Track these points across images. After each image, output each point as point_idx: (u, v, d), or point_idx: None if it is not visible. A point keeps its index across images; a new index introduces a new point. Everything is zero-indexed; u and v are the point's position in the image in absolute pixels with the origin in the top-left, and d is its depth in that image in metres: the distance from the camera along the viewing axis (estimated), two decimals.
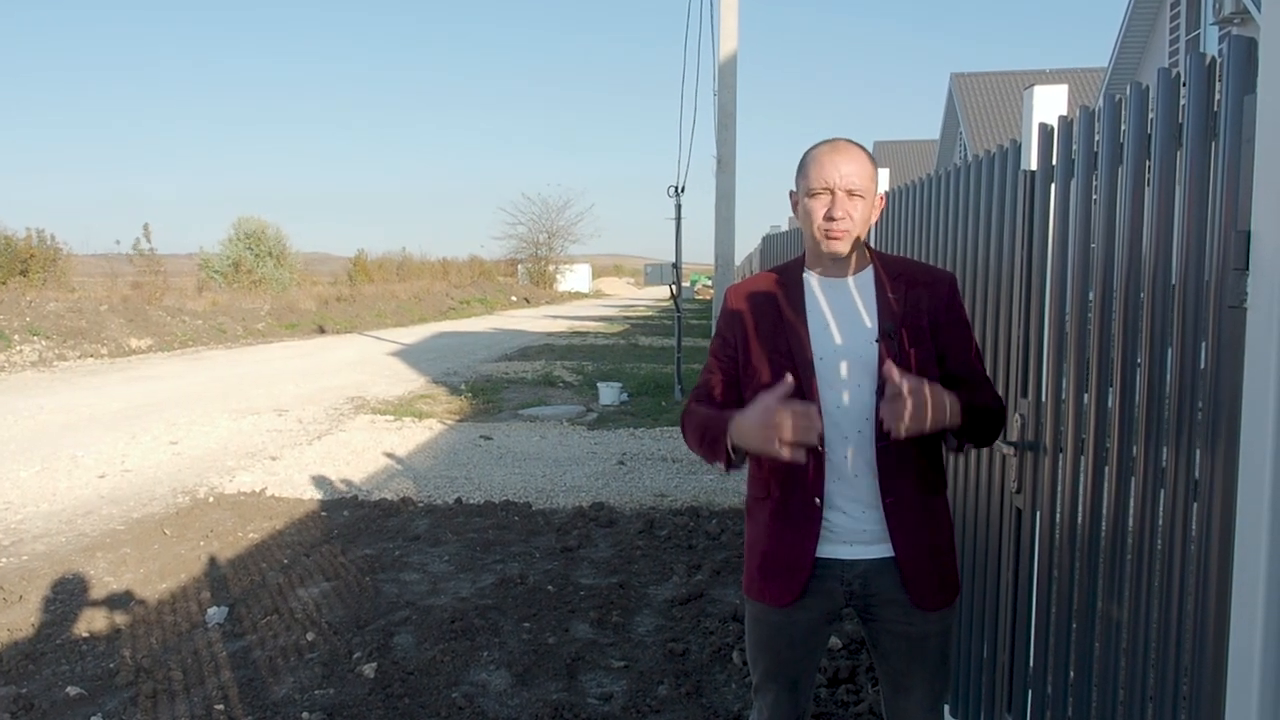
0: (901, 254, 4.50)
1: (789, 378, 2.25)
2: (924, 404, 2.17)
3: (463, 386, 15.35)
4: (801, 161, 2.46)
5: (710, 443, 2.44)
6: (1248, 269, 1.81)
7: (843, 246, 2.41)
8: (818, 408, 2.24)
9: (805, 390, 2.41)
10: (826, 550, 2.48)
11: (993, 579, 3.47)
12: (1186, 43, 16.63)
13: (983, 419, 2.40)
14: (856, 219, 2.39)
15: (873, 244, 2.65)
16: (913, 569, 2.45)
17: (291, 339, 26.98)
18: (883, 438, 2.38)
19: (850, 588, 2.50)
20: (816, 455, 2.42)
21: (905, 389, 2.15)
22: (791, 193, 2.51)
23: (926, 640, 2.52)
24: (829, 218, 2.38)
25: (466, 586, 5.91)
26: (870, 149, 2.46)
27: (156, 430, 11.41)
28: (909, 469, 2.44)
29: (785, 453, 2.18)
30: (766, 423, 2.19)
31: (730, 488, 8.50)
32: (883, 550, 2.46)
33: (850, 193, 2.37)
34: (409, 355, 21.58)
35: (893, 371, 2.18)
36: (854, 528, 2.45)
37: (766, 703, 2.66)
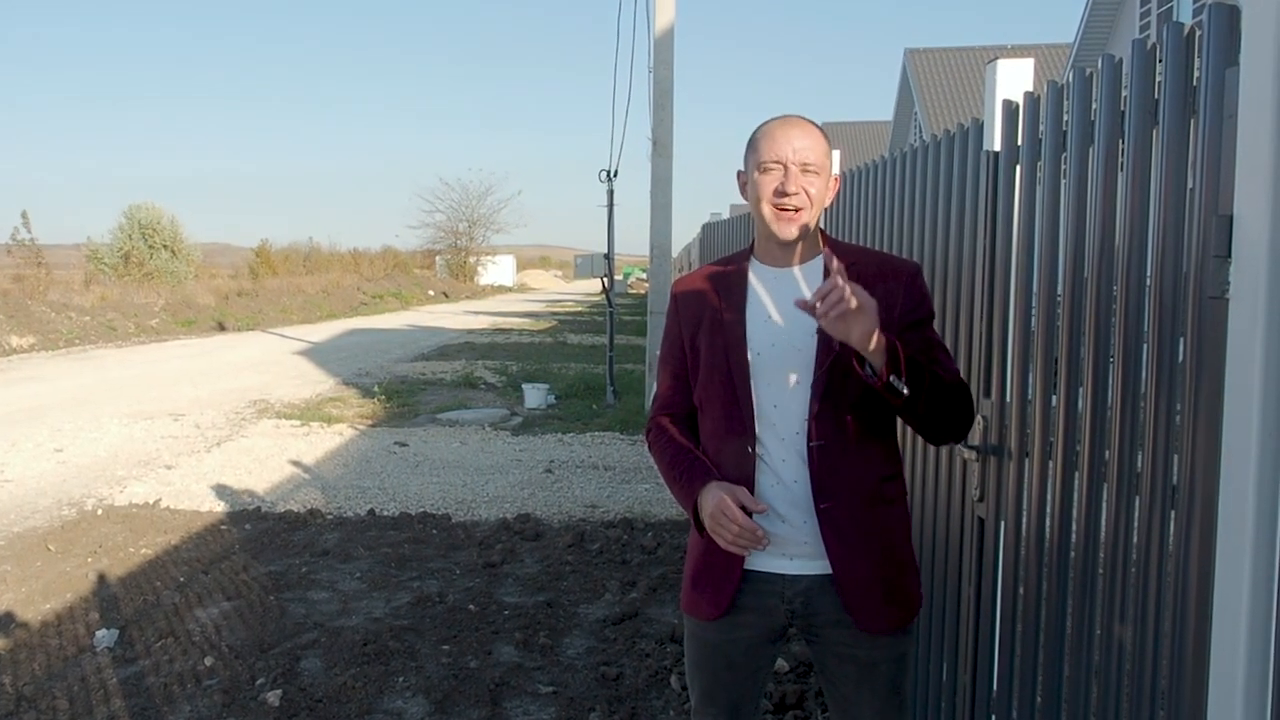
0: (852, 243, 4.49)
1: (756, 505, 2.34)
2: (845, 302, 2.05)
3: (376, 388, 15.21)
4: (751, 138, 2.45)
5: (679, 495, 2.53)
6: (1230, 256, 1.80)
7: (794, 229, 2.38)
8: (758, 528, 2.33)
9: (740, 390, 2.42)
10: (764, 563, 2.45)
11: (953, 594, 3.46)
12: (1158, 16, 16.83)
13: (943, 392, 2.30)
14: (812, 196, 2.37)
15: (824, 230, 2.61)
16: (852, 586, 2.40)
17: (188, 337, 26.58)
18: (820, 436, 2.35)
19: (791, 606, 2.47)
20: (751, 459, 2.41)
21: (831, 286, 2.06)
22: (740, 173, 2.50)
23: (876, 666, 2.48)
24: (780, 193, 2.35)
25: (380, 606, 5.83)
26: None
27: (39, 437, 11.22)
28: (850, 471, 2.39)
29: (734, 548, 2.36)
30: (714, 529, 2.36)
31: (667, 498, 8.45)
32: (827, 565, 2.43)
33: (804, 167, 2.35)
34: (317, 354, 21.35)
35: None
36: (794, 538, 2.41)
37: None
